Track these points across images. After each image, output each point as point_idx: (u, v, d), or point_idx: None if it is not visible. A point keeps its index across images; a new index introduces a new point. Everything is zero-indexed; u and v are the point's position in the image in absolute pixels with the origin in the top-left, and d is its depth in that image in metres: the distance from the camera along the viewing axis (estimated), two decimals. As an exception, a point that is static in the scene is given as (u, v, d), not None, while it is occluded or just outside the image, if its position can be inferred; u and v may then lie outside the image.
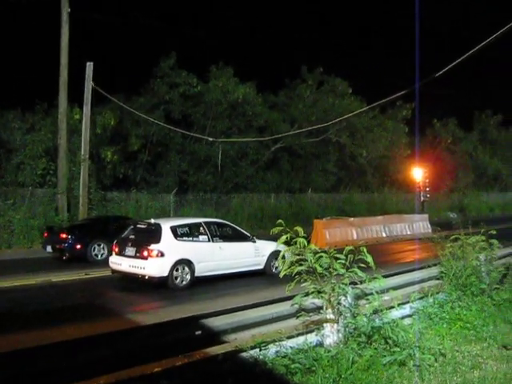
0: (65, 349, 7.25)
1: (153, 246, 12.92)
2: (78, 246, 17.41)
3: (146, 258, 12.86)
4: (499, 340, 8.32)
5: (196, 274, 13.48)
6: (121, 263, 13.46)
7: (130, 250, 13.34)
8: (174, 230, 13.46)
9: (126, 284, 13.94)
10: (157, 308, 11.69)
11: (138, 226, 14.42)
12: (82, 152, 22.87)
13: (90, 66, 23.04)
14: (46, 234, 18.70)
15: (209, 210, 28.60)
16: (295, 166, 36.77)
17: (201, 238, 13.86)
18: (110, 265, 13.93)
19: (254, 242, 15.01)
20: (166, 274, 12.87)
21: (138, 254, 13.08)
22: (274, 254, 14.47)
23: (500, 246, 11.75)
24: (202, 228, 14.06)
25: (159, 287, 13.10)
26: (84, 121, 23.04)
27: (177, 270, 13.11)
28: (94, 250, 17.52)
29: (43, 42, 34.35)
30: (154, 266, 12.82)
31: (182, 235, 13.54)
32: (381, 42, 73.79)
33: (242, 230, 15.46)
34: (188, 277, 13.31)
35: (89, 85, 22.92)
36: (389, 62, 63.19)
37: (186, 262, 13.28)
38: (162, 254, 12.87)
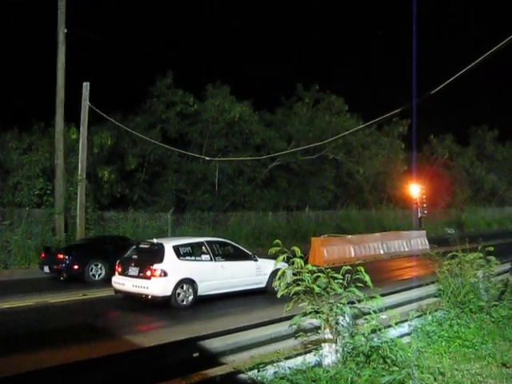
0: (62, 372, 7.18)
1: (156, 266, 12.95)
2: (76, 267, 17.32)
3: (149, 278, 12.90)
4: (498, 358, 8.31)
5: (199, 293, 13.50)
6: (124, 283, 13.51)
7: (133, 270, 13.39)
8: (176, 249, 13.50)
9: (125, 304, 13.88)
10: (156, 328, 11.64)
11: (141, 245, 14.49)
12: (79, 172, 22.87)
13: (86, 85, 23.10)
14: (43, 255, 18.62)
15: (206, 228, 28.56)
16: (292, 184, 36.76)
17: (203, 257, 13.92)
18: (113, 285, 13.95)
19: (256, 260, 15.04)
20: (169, 293, 12.90)
21: (141, 274, 13.13)
22: (276, 273, 14.47)
23: (498, 263, 11.76)
24: (204, 247, 14.13)
25: (157, 307, 13.09)
26: (81, 140, 23.06)
27: (180, 289, 13.13)
28: (91, 271, 17.43)
29: (40, 62, 34.44)
30: (157, 286, 12.85)
31: (185, 255, 13.58)
32: (377, 58, 74.24)
33: (244, 249, 15.49)
34: (191, 296, 13.34)
35: (85, 105, 22.98)
36: (385, 78, 63.48)
37: (188, 281, 13.30)
38: (165, 274, 12.90)
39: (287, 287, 7.41)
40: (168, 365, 7.37)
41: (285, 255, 7.45)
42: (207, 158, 28.39)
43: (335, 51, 72.06)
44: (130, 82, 38.89)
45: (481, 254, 11.38)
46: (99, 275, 17.54)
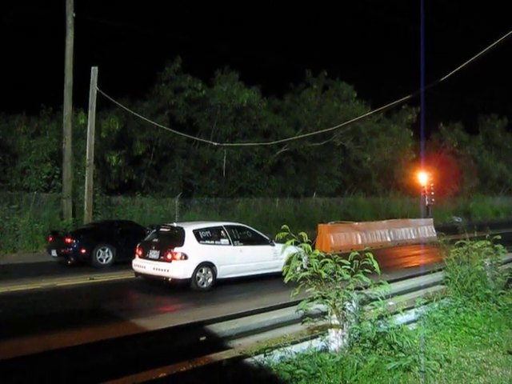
0: (70, 354, 7.23)
1: (176, 249, 13.16)
2: (83, 251, 17.37)
3: (169, 261, 13.11)
4: (505, 346, 8.29)
5: (217, 277, 13.74)
6: (145, 266, 13.73)
7: (154, 253, 13.60)
8: (196, 233, 13.70)
9: (133, 288, 14.08)
10: (165, 312, 11.64)
11: (161, 229, 14.70)
12: (87, 156, 22.89)
13: (94, 70, 23.06)
14: (50, 239, 18.68)
15: (213, 214, 28.62)
16: (300, 170, 36.75)
17: (222, 241, 14.12)
18: (134, 267, 14.17)
19: (273, 245, 15.17)
20: (189, 276, 13.12)
21: (161, 257, 13.35)
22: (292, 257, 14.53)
23: (505, 251, 11.73)
24: (223, 231, 14.33)
25: (165, 291, 13.27)
26: (89, 125, 23.05)
27: (200, 273, 13.37)
28: (98, 255, 17.49)
29: (48, 47, 34.44)
30: (177, 269, 13.05)
31: (205, 238, 13.77)
32: (386, 45, 73.84)
33: (262, 234, 15.63)
34: (210, 279, 13.57)
35: (94, 89, 22.94)
36: (394, 65, 63.18)
37: (208, 265, 13.55)
38: (186, 257, 13.10)
39: (294, 272, 7.41)
40: (175, 348, 7.41)
41: (293, 240, 7.43)
42: (215, 144, 28.32)
43: (344, 38, 71.72)
44: (139, 67, 38.93)
45: (488, 243, 11.34)
46: (106, 259, 17.62)
